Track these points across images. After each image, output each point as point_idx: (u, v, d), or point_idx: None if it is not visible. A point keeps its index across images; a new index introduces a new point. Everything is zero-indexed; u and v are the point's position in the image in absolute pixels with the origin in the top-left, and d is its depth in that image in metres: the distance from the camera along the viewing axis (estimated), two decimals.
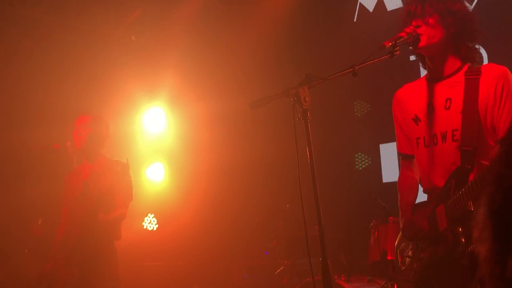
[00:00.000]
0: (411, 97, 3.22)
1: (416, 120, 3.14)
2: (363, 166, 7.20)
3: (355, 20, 7.45)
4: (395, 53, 2.92)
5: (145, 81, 7.63)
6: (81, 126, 5.12)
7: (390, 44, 2.90)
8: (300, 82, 2.68)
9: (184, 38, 7.65)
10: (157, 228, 7.48)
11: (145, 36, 7.83)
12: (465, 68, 3.01)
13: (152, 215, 7.56)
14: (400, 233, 3.30)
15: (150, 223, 7.52)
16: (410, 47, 3.06)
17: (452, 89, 3.00)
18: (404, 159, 3.37)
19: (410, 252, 3.17)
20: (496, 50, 5.89)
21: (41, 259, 5.38)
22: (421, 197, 3.28)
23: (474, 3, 6.29)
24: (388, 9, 7.12)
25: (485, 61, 5.77)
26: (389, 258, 4.78)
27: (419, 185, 3.30)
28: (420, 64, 3.29)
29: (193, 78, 7.68)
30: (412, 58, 6.63)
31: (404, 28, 3.00)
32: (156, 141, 7.66)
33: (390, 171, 6.94)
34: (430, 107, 3.07)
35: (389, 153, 6.95)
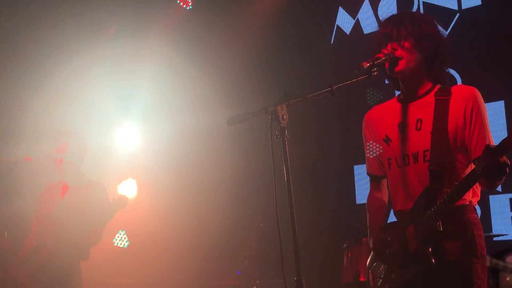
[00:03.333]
0: (382, 118, 3.23)
1: (387, 140, 3.15)
2: (336, 186, 7.22)
3: (332, 42, 7.53)
4: (372, 74, 2.94)
5: (119, 96, 7.57)
6: (63, 145, 5.05)
7: (368, 64, 2.92)
8: (278, 100, 2.67)
9: (160, 53, 7.63)
10: (128, 245, 7.35)
11: (121, 50, 7.78)
12: (436, 89, 3.05)
13: (123, 232, 7.43)
14: (372, 253, 3.30)
15: (121, 240, 7.39)
16: (387, 73, 3.08)
17: (423, 110, 3.03)
18: (373, 180, 3.39)
19: (382, 272, 3.17)
20: (469, 73, 6.00)
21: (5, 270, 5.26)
22: (392, 218, 3.29)
23: (450, 28, 6.41)
24: (365, 32, 7.20)
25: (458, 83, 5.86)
26: (362, 279, 4.78)
27: (389, 206, 3.31)
28: (392, 86, 3.31)
29: (168, 94, 7.65)
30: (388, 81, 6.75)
31: (382, 49, 3.03)
32: (129, 157, 7.58)
33: (363, 192, 6.97)
34: (402, 128, 3.08)
35: (363, 175, 6.99)
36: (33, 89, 6.74)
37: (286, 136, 2.63)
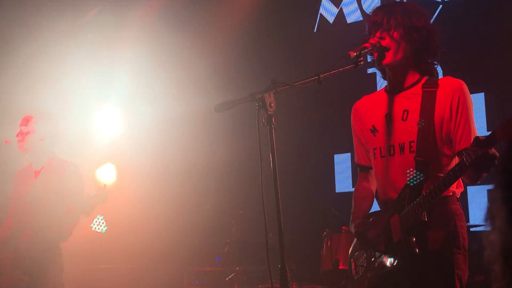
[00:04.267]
0: (369, 108, 3.25)
1: (374, 130, 3.17)
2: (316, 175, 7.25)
3: (315, 31, 7.52)
4: (359, 63, 2.94)
5: (99, 80, 7.49)
6: (28, 125, 4.94)
7: (355, 54, 2.91)
8: (266, 88, 2.66)
9: (141, 37, 7.56)
10: (106, 230, 7.29)
11: (102, 34, 7.70)
12: (423, 80, 3.06)
13: (102, 217, 7.35)
14: (354, 241, 3.32)
15: (99, 224, 7.32)
16: (375, 64, 3.08)
17: (409, 101, 3.04)
18: (362, 170, 3.39)
19: (364, 261, 3.19)
20: (450, 64, 6.05)
21: None
22: (376, 208, 3.31)
23: (432, 19, 6.43)
24: (348, 22, 7.21)
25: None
26: (341, 267, 4.81)
27: (375, 196, 3.33)
28: (380, 75, 3.32)
29: (150, 79, 7.58)
30: (370, 71, 6.77)
31: (369, 38, 3.03)
32: (109, 141, 7.52)
33: (343, 181, 7.01)
34: (388, 118, 3.10)
35: (343, 164, 7.03)
36: (14, 70, 6.64)
37: (273, 124, 2.62)
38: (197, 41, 7.57)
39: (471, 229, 5.26)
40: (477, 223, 5.46)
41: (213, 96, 6.50)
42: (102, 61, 7.61)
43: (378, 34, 3.00)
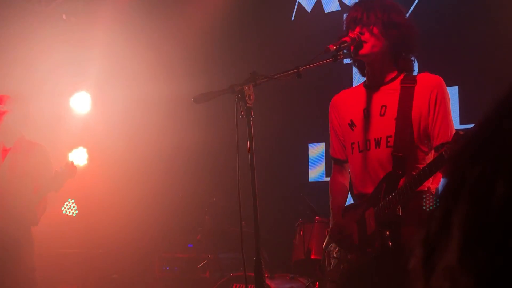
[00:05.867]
0: (347, 103, 3.28)
1: (352, 125, 3.20)
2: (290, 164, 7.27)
3: (292, 19, 7.50)
4: (338, 57, 2.96)
5: (72, 62, 7.38)
6: (4, 104, 4.87)
7: (334, 47, 2.93)
8: (245, 80, 2.66)
9: (115, 20, 7.43)
10: (76, 214, 7.23)
11: (76, 15, 7.57)
12: (401, 76, 3.10)
13: (72, 201, 7.29)
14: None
15: (70, 208, 7.26)
16: (351, 55, 3.11)
17: (388, 96, 3.08)
18: (336, 163, 3.43)
19: (338, 253, 3.23)
20: (425, 58, 6.09)
21: None
22: (350, 201, 3.35)
23: (408, 13, 6.47)
24: (326, 11, 7.20)
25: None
26: (313, 257, 4.84)
27: (349, 191, 3.37)
28: (358, 71, 3.34)
29: (122, 62, 7.48)
30: (346, 62, 6.79)
31: (349, 33, 3.04)
32: (80, 125, 7.42)
33: (316, 170, 7.04)
34: (366, 113, 3.13)
35: (316, 153, 7.06)
36: None
37: (252, 116, 2.63)
38: (171, 26, 7.49)
39: None
40: None
41: (187, 82, 6.46)
42: (75, 43, 7.49)
43: (357, 29, 3.02)
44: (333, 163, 3.45)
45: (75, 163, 4.91)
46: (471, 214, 0.59)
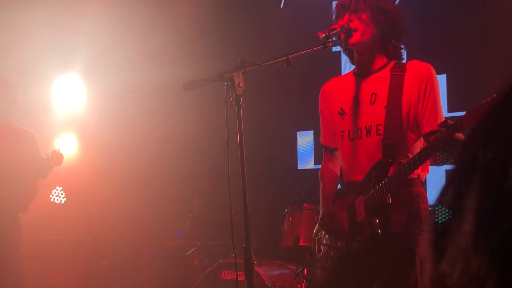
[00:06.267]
0: (338, 91, 3.28)
1: (342, 113, 3.20)
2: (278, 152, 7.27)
3: (281, 6, 7.47)
4: (327, 45, 2.96)
5: (60, 48, 7.31)
6: None
7: (324, 35, 2.93)
8: (235, 67, 2.65)
9: (104, 5, 7.36)
10: (65, 201, 7.21)
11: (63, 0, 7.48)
12: (391, 64, 3.11)
13: (60, 188, 7.26)
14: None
15: (58, 196, 7.23)
16: (342, 44, 3.11)
17: (378, 84, 3.09)
18: (327, 151, 3.44)
19: (328, 240, 3.25)
20: (413, 45, 6.10)
21: None
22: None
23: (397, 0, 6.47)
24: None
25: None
26: (301, 244, 4.86)
27: (339, 179, 3.39)
28: (348, 59, 3.34)
29: (111, 48, 7.42)
30: (335, 49, 6.78)
31: (338, 20, 3.04)
32: (69, 112, 7.38)
33: (305, 158, 7.06)
34: (356, 101, 3.13)
35: (305, 141, 7.07)
36: None
37: (242, 104, 2.63)
38: (160, 12, 7.43)
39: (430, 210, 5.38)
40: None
41: (175, 69, 6.42)
42: (63, 28, 7.41)
43: (346, 16, 3.02)
44: (324, 151, 3.46)
45: (62, 150, 4.87)
46: (484, 198, 0.59)
